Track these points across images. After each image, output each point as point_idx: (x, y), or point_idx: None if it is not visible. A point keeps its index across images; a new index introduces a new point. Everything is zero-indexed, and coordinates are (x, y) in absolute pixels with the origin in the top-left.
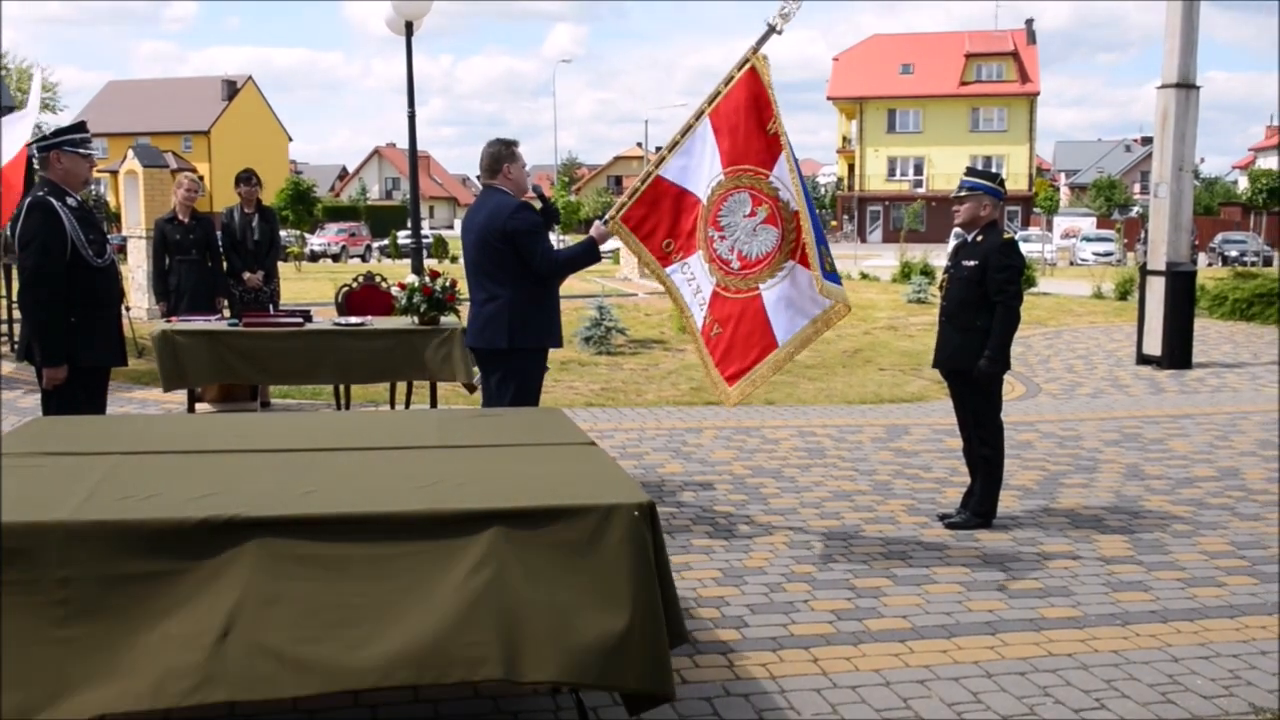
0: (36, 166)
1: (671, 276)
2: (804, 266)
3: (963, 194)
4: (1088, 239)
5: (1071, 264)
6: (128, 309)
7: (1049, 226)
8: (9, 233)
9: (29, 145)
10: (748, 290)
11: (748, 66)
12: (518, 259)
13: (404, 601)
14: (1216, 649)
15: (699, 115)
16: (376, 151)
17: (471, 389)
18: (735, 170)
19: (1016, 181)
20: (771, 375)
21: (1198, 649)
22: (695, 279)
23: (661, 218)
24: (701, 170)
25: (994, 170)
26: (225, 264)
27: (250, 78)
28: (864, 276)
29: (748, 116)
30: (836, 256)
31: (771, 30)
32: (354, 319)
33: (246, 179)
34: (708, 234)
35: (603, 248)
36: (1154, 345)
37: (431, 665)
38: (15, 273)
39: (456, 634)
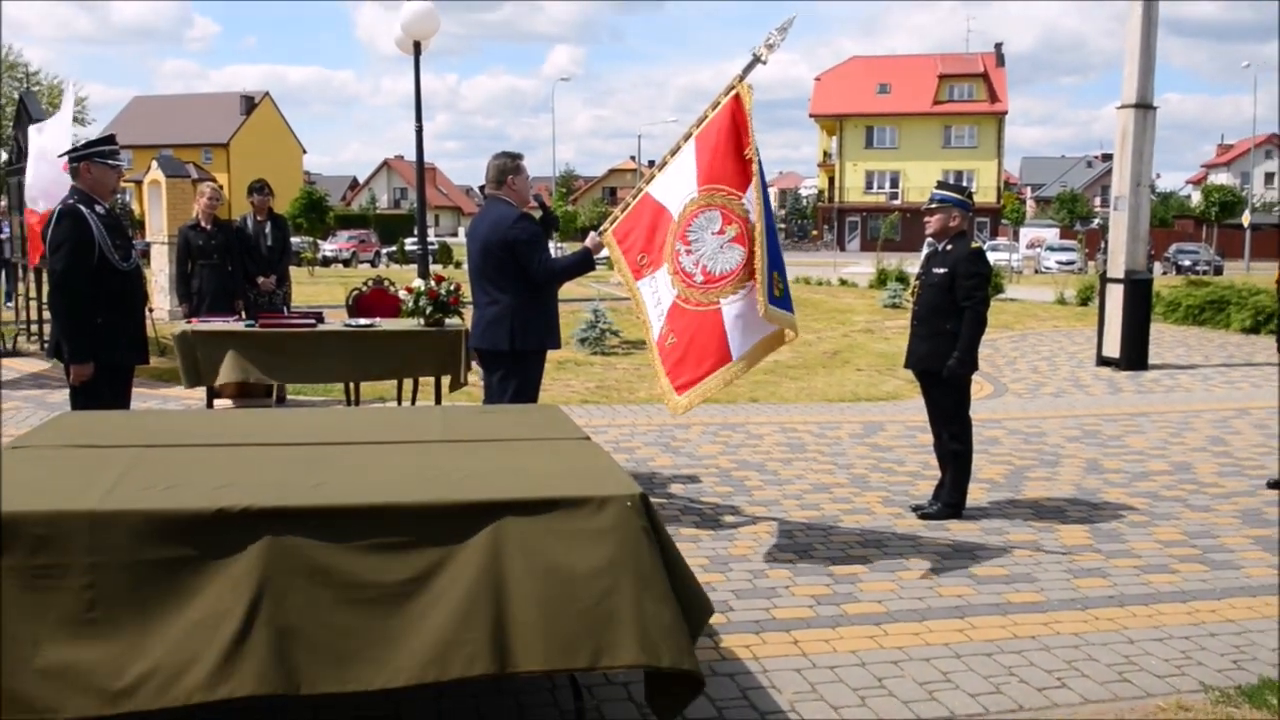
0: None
1: (641, 289)
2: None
3: (933, 206)
4: (1051, 249)
5: (1036, 272)
6: (151, 310)
7: (1015, 237)
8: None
9: (61, 156)
10: (709, 304)
11: (733, 93)
12: (518, 266)
13: (408, 594)
14: (1169, 631)
15: (687, 137)
16: (385, 163)
17: (457, 385)
18: (710, 189)
19: (986, 194)
20: (721, 388)
21: (1152, 631)
22: (657, 291)
23: (640, 233)
24: (678, 188)
25: (963, 184)
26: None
27: (267, 94)
28: (843, 283)
29: (727, 140)
30: (817, 264)
31: (756, 60)
32: (363, 320)
33: (259, 189)
34: (675, 247)
35: (597, 257)
36: (1113, 348)
37: (434, 664)
38: (46, 275)
39: (457, 631)
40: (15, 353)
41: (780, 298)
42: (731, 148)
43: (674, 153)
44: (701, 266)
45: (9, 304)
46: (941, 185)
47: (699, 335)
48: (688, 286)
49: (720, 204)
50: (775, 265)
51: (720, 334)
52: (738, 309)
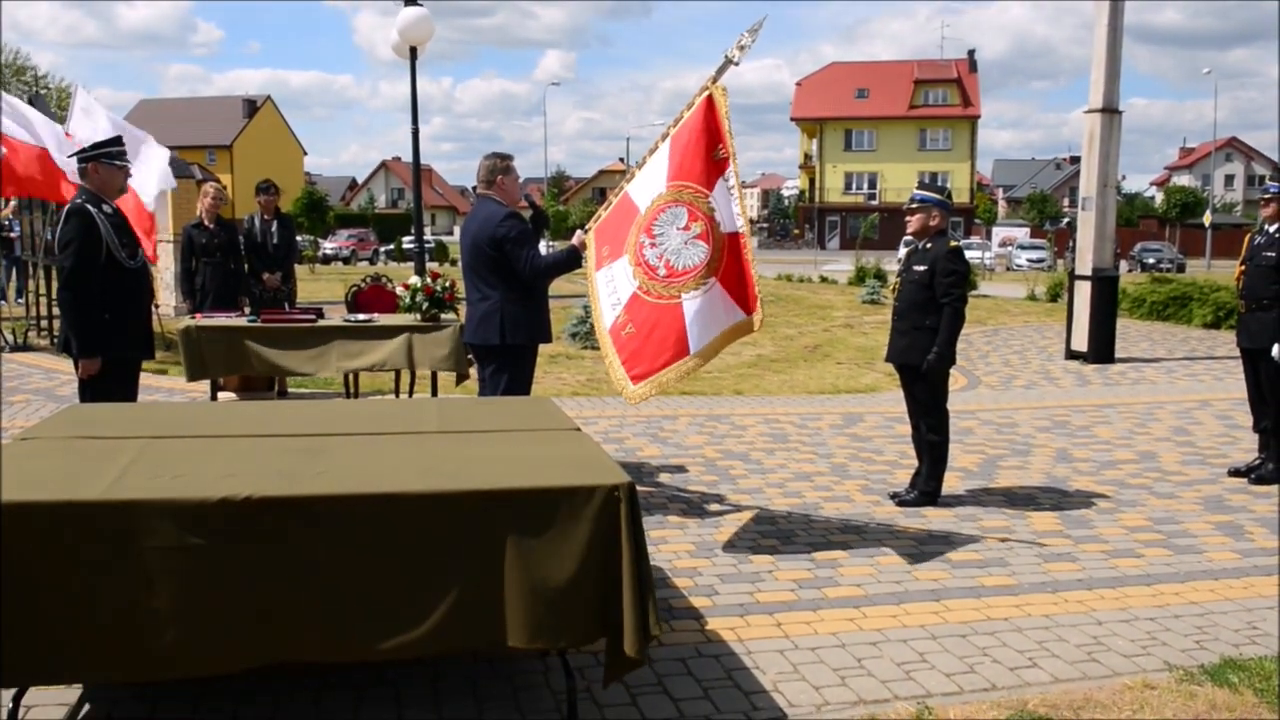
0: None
1: (597, 279)
2: (723, 286)
3: (914, 206)
4: (1022, 247)
5: (1008, 269)
6: (157, 306)
7: (988, 236)
8: (50, 236)
9: (70, 156)
10: (670, 297)
11: (705, 95)
12: (507, 262)
13: (405, 576)
14: (1135, 613)
15: (664, 137)
16: (383, 164)
17: (462, 379)
18: (678, 185)
19: (959, 195)
20: (677, 381)
21: (1119, 613)
22: (614, 280)
23: (612, 229)
24: (648, 184)
25: (943, 185)
26: (246, 266)
27: (269, 97)
28: (823, 280)
29: (698, 139)
30: (799, 262)
31: (729, 62)
32: (362, 316)
33: (266, 189)
34: (638, 240)
35: (584, 254)
36: (1081, 342)
37: (430, 640)
38: (55, 272)
39: (452, 610)
40: (26, 347)
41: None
42: (702, 147)
43: (652, 153)
44: (665, 260)
45: (20, 300)
46: (922, 186)
47: (658, 328)
48: (649, 279)
49: (687, 200)
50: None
51: (680, 328)
52: (698, 305)
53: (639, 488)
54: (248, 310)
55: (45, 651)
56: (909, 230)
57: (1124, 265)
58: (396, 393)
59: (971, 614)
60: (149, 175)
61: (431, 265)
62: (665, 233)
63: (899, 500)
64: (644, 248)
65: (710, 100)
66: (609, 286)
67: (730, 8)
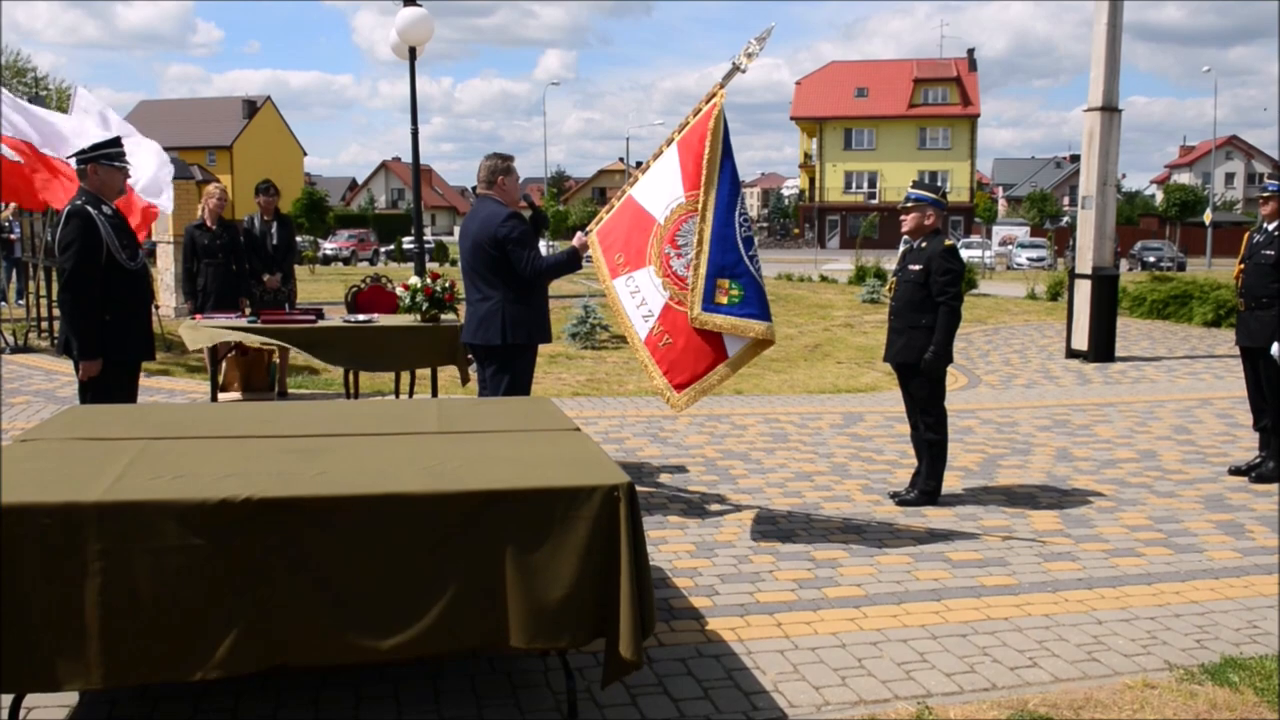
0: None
1: (615, 287)
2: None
3: (909, 205)
4: (1022, 246)
5: (1008, 268)
6: (157, 308)
7: (988, 234)
8: (50, 237)
9: (69, 157)
10: None
11: (713, 101)
12: (508, 263)
13: (405, 577)
14: (1136, 613)
15: (669, 142)
16: (383, 165)
17: (464, 381)
18: (695, 194)
19: (959, 194)
20: (719, 384)
21: (1119, 613)
22: (640, 291)
23: (620, 233)
24: (662, 192)
25: (937, 184)
26: (247, 266)
27: (269, 98)
28: (823, 279)
29: (710, 146)
30: (799, 261)
31: (736, 69)
32: (362, 316)
33: (265, 189)
34: (664, 251)
35: (584, 255)
36: (1081, 341)
37: (429, 640)
38: (55, 274)
39: (451, 610)
40: (27, 349)
41: (732, 304)
42: (714, 154)
43: (656, 156)
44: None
45: (20, 301)
46: (917, 185)
47: (694, 336)
48: (680, 289)
49: None
50: (727, 272)
51: (715, 334)
52: None
53: (639, 488)
54: (248, 311)
55: (45, 655)
56: (904, 229)
57: (1124, 264)
58: (396, 393)
59: (972, 614)
60: (144, 172)
61: (431, 265)
62: (689, 242)
63: (899, 500)
64: (670, 259)
65: (717, 106)
66: (635, 297)
67: (731, 7)
